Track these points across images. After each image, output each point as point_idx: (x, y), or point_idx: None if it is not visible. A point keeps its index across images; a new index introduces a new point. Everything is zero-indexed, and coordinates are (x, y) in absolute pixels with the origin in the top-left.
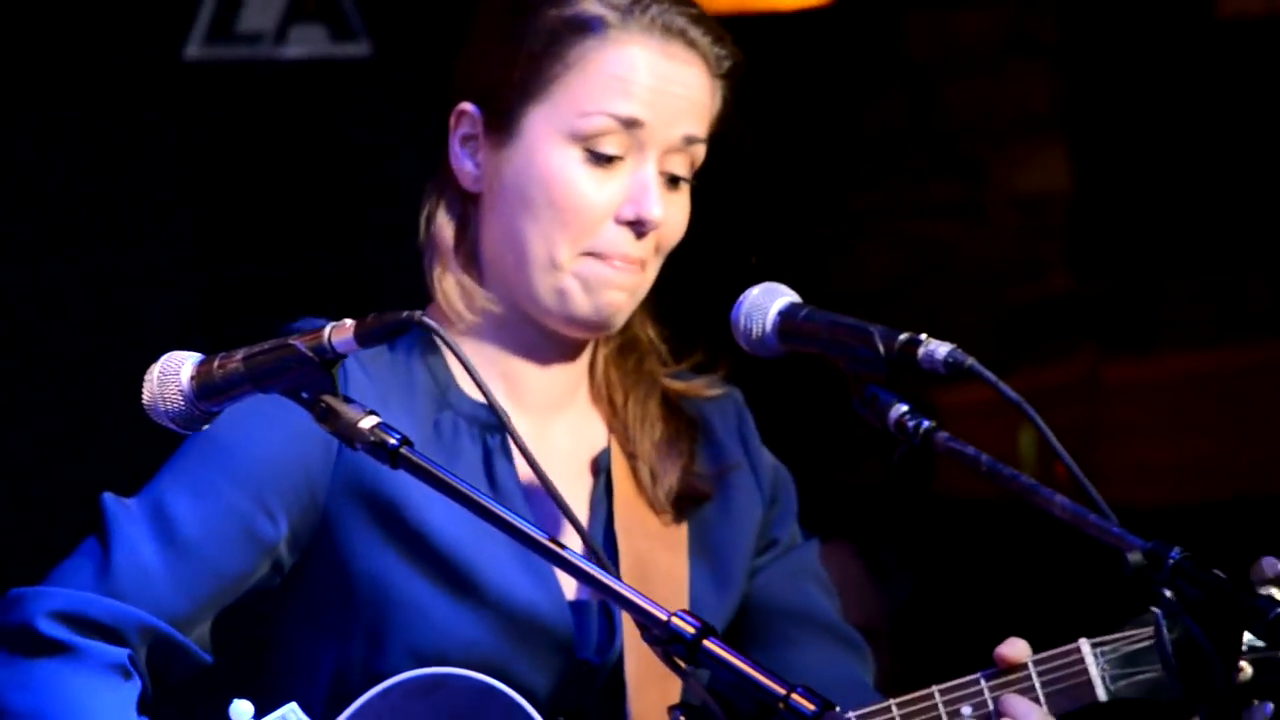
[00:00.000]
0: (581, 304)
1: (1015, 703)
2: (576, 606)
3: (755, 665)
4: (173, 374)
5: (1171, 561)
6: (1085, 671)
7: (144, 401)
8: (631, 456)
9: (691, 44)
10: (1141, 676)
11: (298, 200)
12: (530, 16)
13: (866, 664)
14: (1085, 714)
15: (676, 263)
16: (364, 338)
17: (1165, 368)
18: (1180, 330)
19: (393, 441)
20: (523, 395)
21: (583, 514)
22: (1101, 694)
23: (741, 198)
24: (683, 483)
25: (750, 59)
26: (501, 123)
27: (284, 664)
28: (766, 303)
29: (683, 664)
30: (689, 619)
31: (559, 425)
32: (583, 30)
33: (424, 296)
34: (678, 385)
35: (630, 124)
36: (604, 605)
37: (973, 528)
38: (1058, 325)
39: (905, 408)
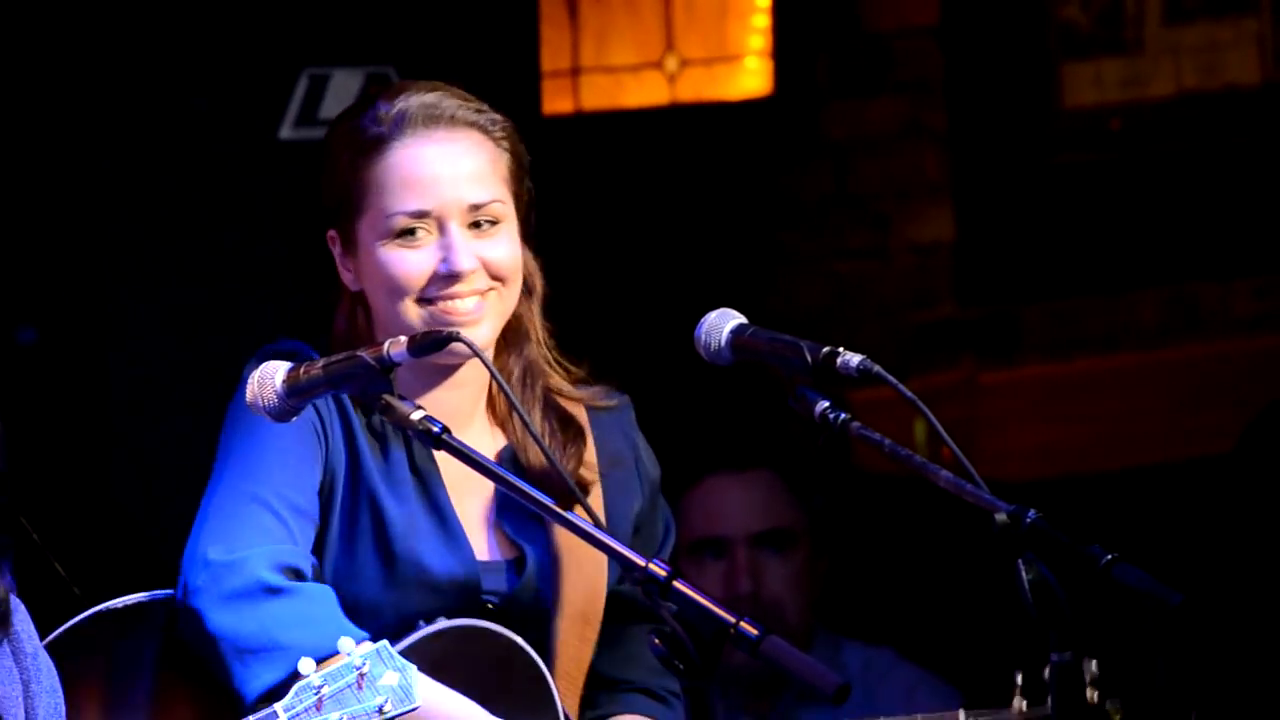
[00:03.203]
0: None
1: None
2: (486, 565)
3: (712, 600)
4: (269, 378)
5: (1028, 521)
6: None
7: (246, 399)
8: (524, 458)
9: (455, 122)
10: None
11: None
12: (339, 155)
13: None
14: None
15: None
16: (415, 350)
17: (1027, 373)
18: (1038, 344)
19: (435, 429)
20: (441, 407)
21: (486, 500)
22: None
23: (706, 247)
24: (574, 478)
25: (707, 139)
26: (348, 239)
27: None
28: (722, 323)
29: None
30: (661, 564)
31: (465, 435)
32: (369, 151)
33: None
34: (575, 394)
35: (421, 215)
36: (511, 563)
37: (878, 495)
38: (944, 341)
39: (827, 403)
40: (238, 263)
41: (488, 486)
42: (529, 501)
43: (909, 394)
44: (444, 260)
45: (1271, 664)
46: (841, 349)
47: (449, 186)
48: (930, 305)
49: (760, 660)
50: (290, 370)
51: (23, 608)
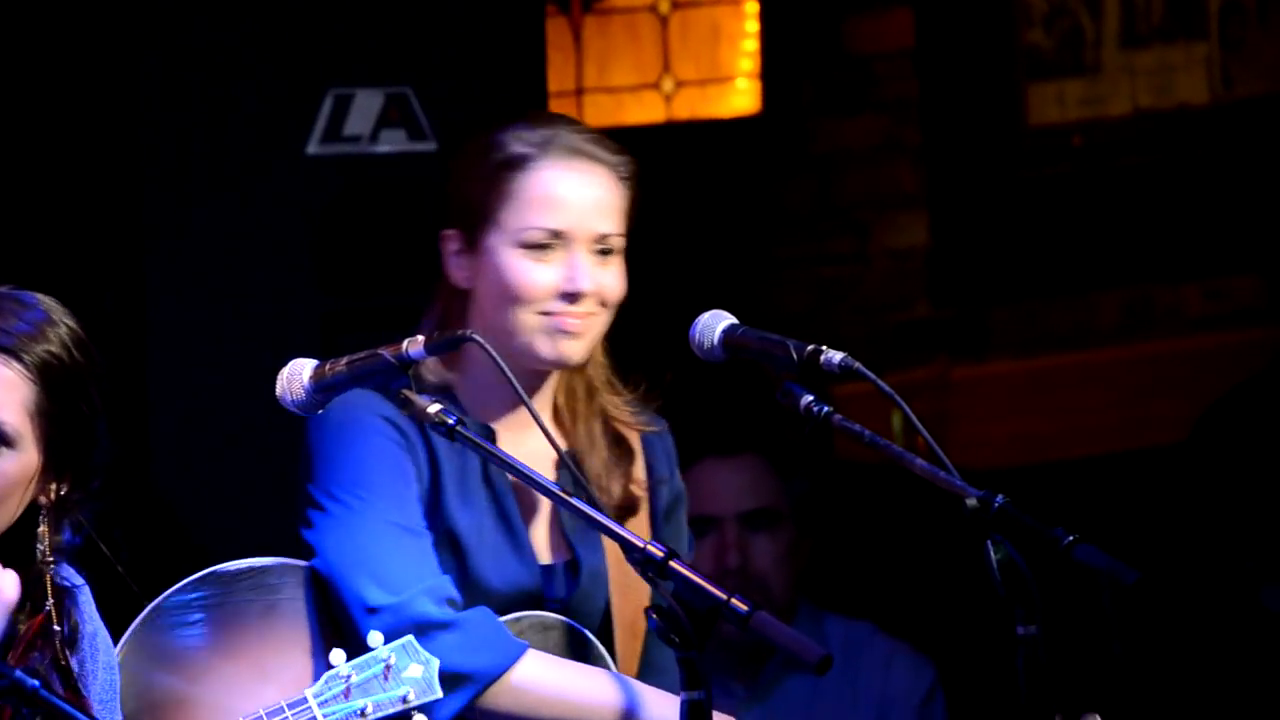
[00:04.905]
0: (545, 349)
1: None
2: (546, 569)
3: (705, 578)
4: (297, 374)
5: (997, 505)
6: None
7: (276, 393)
8: (582, 468)
9: (594, 158)
10: None
11: (386, 251)
12: (479, 164)
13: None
14: None
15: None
16: (431, 349)
17: (996, 369)
18: (1006, 343)
19: (450, 421)
20: (501, 413)
21: (548, 502)
22: None
23: (700, 253)
24: (624, 494)
25: (701, 154)
26: (473, 241)
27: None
28: (714, 323)
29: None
30: (658, 545)
31: (531, 435)
32: (514, 167)
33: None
34: (626, 420)
35: (556, 234)
36: (566, 565)
37: (859, 481)
38: (920, 340)
39: (811, 397)
40: (268, 267)
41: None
42: (531, 484)
43: (887, 388)
44: (568, 279)
45: (1217, 634)
46: (825, 347)
47: (583, 213)
48: (906, 307)
49: (749, 633)
50: (316, 367)
51: (87, 590)
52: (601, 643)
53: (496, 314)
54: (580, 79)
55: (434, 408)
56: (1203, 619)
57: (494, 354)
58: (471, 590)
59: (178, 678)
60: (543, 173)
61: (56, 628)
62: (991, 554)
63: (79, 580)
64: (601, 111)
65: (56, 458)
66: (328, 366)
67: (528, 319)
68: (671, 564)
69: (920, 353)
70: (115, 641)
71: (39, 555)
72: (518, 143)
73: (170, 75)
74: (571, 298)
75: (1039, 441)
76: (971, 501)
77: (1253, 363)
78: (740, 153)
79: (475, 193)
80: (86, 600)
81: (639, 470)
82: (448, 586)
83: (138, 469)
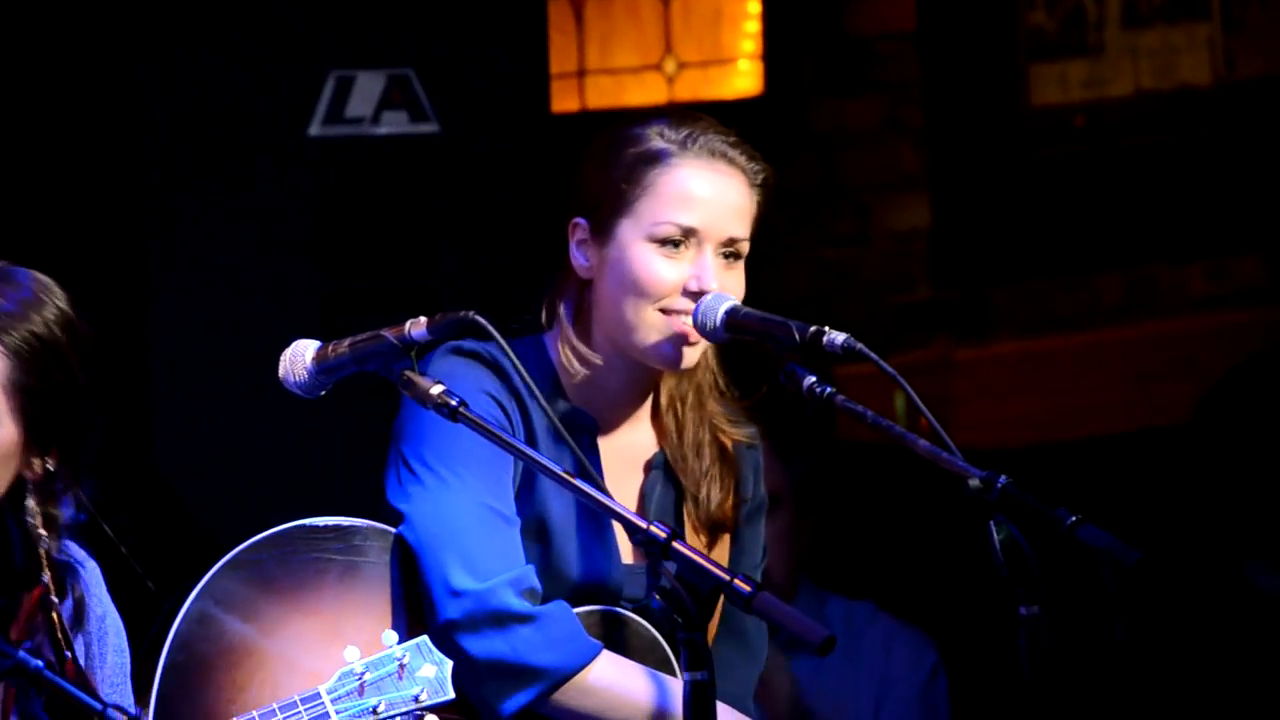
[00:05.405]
0: (662, 349)
1: None
2: (629, 568)
3: (708, 560)
4: (299, 355)
5: (999, 486)
6: None
7: (279, 375)
8: (680, 473)
9: (732, 162)
10: None
11: (388, 233)
12: (617, 155)
13: (756, 667)
14: None
15: None
16: (434, 330)
17: (998, 350)
18: (1008, 324)
19: (453, 403)
20: (604, 406)
21: (634, 501)
22: None
23: None
24: (720, 507)
25: None
26: (602, 231)
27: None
28: (717, 305)
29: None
30: (661, 526)
31: (627, 432)
32: (653, 161)
33: (474, 300)
34: (725, 428)
35: (689, 231)
36: (650, 567)
37: (860, 461)
38: (922, 321)
39: (814, 378)
40: (270, 247)
41: (635, 488)
42: (538, 468)
43: (890, 369)
44: (695, 277)
45: (1219, 611)
46: (827, 328)
47: (717, 214)
48: (908, 288)
49: (752, 614)
50: (319, 348)
51: (97, 571)
52: (669, 646)
53: (618, 306)
54: (582, 60)
55: (436, 389)
56: (1196, 597)
57: (496, 334)
58: (551, 578)
59: (252, 628)
60: (682, 170)
61: (55, 599)
62: (994, 534)
63: (82, 557)
64: (603, 93)
65: (39, 432)
66: (330, 348)
67: (649, 314)
68: (675, 545)
69: (922, 334)
70: (135, 619)
71: (29, 528)
72: (659, 138)
73: (172, 59)
74: (696, 297)
75: (1041, 422)
76: (974, 482)
77: (1255, 343)
78: (742, 134)
79: (610, 183)
80: (95, 580)
81: (735, 479)
82: (531, 577)
83: (141, 452)
